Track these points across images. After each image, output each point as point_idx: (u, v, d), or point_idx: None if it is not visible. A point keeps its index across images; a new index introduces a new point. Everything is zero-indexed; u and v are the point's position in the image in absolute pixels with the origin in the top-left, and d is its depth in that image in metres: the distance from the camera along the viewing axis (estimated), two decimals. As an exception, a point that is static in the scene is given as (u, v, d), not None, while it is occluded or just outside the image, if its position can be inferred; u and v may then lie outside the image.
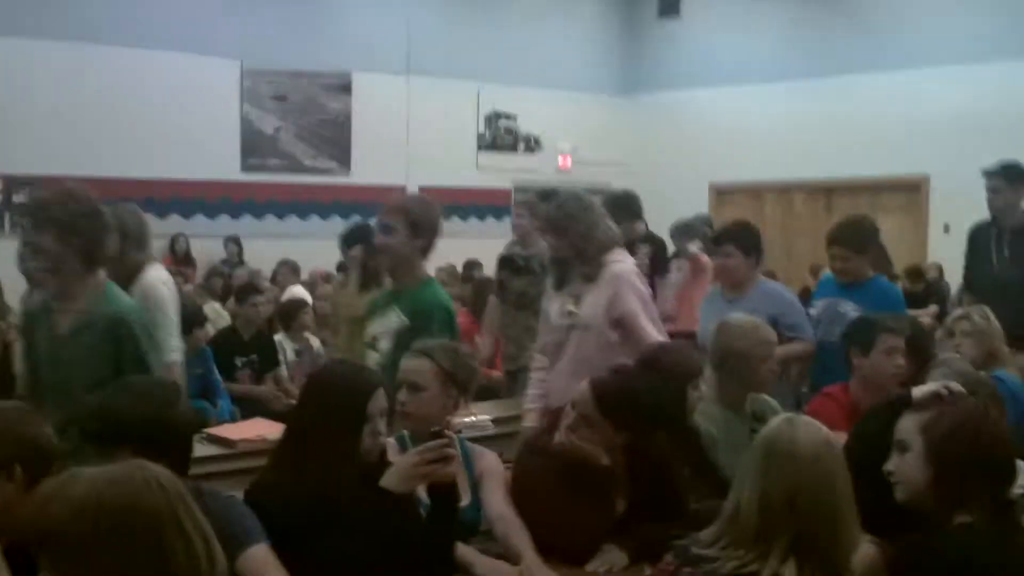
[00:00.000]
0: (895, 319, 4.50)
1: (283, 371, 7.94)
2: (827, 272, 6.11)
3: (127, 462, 1.85)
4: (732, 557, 2.39)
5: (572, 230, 4.92)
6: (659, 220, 13.28)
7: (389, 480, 3.06)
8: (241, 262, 13.14)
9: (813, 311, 5.73)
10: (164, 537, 1.73)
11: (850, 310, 5.33)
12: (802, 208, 15.88)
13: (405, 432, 3.65)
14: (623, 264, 4.97)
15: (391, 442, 3.50)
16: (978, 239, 6.67)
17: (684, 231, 9.46)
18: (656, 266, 7.47)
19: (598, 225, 4.97)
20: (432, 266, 13.73)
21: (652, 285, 6.87)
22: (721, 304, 5.48)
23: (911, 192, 14.43)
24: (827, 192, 15.36)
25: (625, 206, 7.32)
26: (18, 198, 12.13)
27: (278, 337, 8.15)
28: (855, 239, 5.69)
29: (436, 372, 3.59)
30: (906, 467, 2.81)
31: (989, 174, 6.60)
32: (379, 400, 3.22)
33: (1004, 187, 6.46)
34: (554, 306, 5.05)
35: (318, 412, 3.19)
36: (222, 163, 13.72)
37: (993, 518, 2.72)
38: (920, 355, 4.66)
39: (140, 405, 2.91)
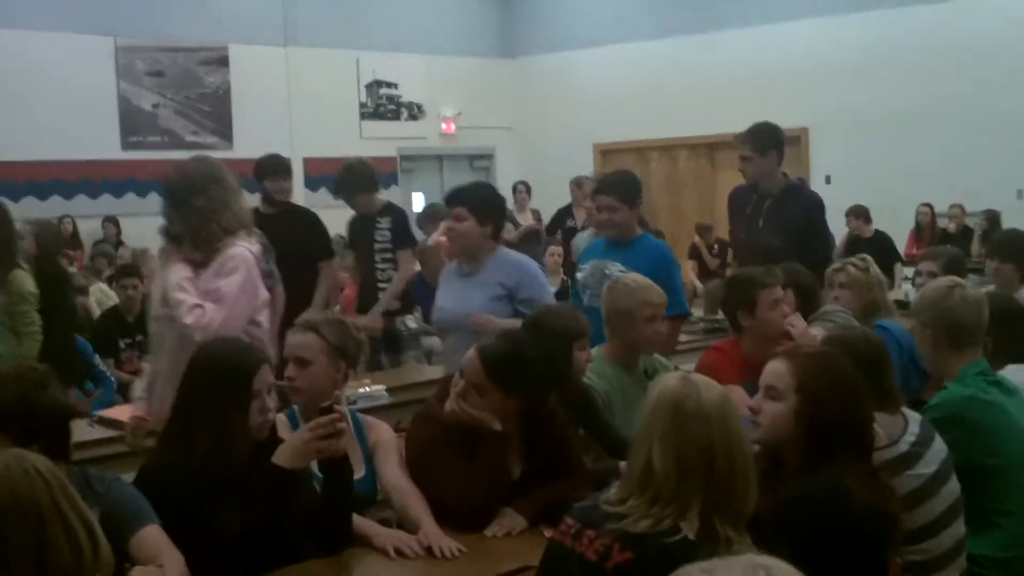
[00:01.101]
0: (766, 273, 4.50)
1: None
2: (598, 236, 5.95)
3: (4, 452, 1.82)
4: (646, 515, 2.39)
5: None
6: (545, 183, 13.41)
7: (281, 456, 3.06)
8: (120, 242, 12.88)
9: (580, 275, 5.48)
10: (46, 528, 1.71)
11: (616, 271, 5.06)
12: (686, 165, 16.06)
13: (295, 407, 3.62)
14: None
15: (281, 418, 3.48)
16: (738, 204, 6.31)
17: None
18: (397, 238, 7.18)
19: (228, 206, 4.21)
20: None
21: (395, 258, 7.08)
22: (455, 279, 4.93)
23: (791, 145, 14.38)
24: (710, 148, 15.56)
25: (360, 178, 7.19)
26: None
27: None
28: (623, 189, 5.46)
29: (323, 346, 3.57)
30: (776, 417, 2.89)
31: (738, 142, 6.25)
32: (265, 376, 3.21)
33: (754, 155, 6.03)
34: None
35: (204, 390, 3.18)
36: (102, 142, 13.41)
37: (859, 481, 2.78)
38: (808, 297, 4.75)
39: (5, 388, 2.88)
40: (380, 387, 5.37)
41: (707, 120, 14.55)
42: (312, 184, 14.28)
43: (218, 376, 3.18)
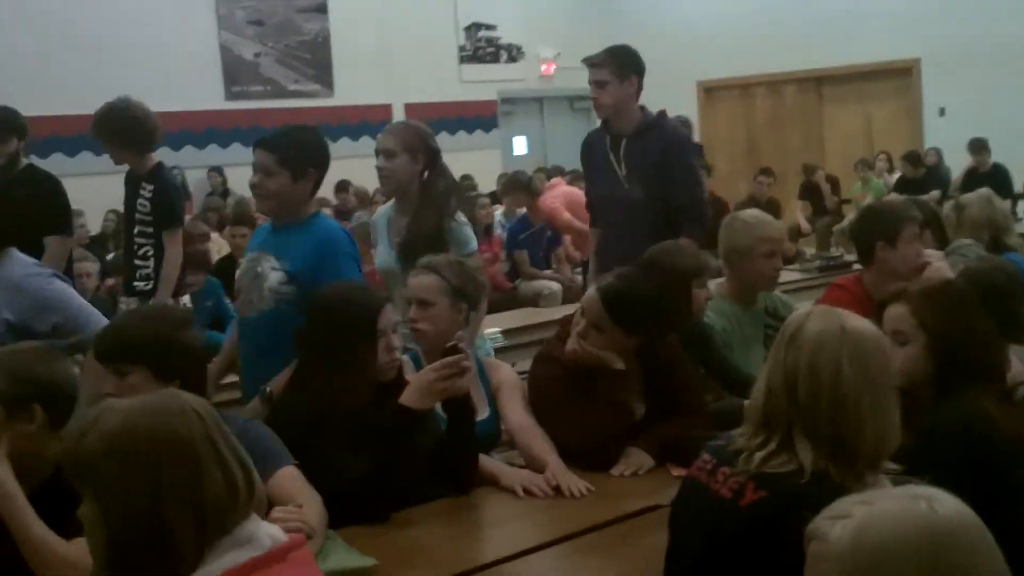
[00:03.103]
0: (910, 205, 4.39)
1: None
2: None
3: (161, 391, 1.84)
4: (760, 448, 2.35)
5: None
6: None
7: (408, 397, 3.06)
8: (226, 191, 13.05)
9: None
10: (202, 465, 1.72)
11: (269, 268, 3.86)
12: (793, 100, 15.76)
13: (417, 349, 3.63)
14: None
15: (405, 359, 3.49)
16: (592, 152, 5.37)
17: None
18: (159, 212, 5.57)
19: None
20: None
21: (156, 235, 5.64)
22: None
23: (903, 77, 14.32)
24: (817, 82, 15.24)
25: (118, 125, 5.58)
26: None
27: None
28: (282, 146, 3.92)
29: (444, 287, 3.58)
30: (908, 360, 2.85)
31: (591, 64, 5.15)
32: (388, 315, 3.24)
33: (612, 79, 5.07)
34: None
35: (329, 331, 3.20)
36: (206, 93, 13.55)
37: (997, 408, 2.74)
38: (941, 236, 4.63)
39: (151, 325, 2.94)
40: (495, 329, 5.38)
41: (814, 53, 14.23)
42: (414, 129, 14.23)
43: (343, 317, 3.20)
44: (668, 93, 14.73)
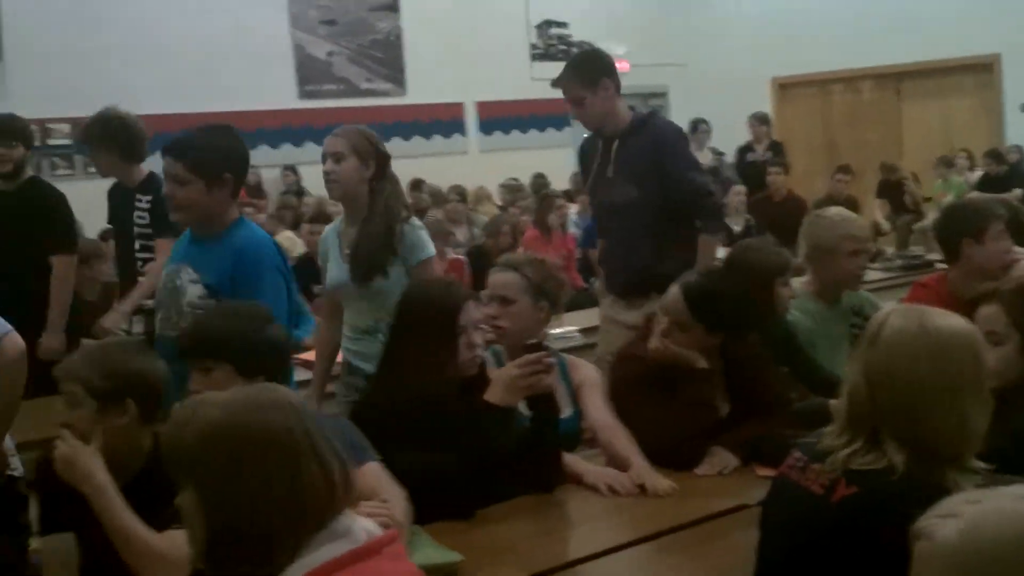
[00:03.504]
0: (996, 203, 4.30)
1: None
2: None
3: (256, 385, 1.85)
4: (847, 446, 2.32)
5: None
6: (721, 120, 13.18)
7: (492, 393, 3.07)
8: (300, 190, 13.16)
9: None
10: (300, 458, 1.73)
11: (188, 281, 3.59)
12: (871, 97, 15.56)
13: (498, 346, 3.63)
14: None
15: (487, 356, 3.49)
16: (586, 157, 5.03)
17: None
18: (157, 221, 5.31)
19: None
20: (494, 180, 13.76)
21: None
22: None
23: (983, 73, 14.09)
24: (896, 78, 15.03)
25: (110, 133, 5.42)
26: (86, 140, 12.19)
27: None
28: (191, 152, 3.59)
29: (524, 285, 3.57)
30: (1002, 360, 2.83)
31: (558, 86, 4.79)
32: (470, 312, 3.24)
33: (584, 93, 4.69)
34: None
35: (412, 328, 3.23)
36: (279, 92, 13.66)
37: None
38: (1021, 234, 4.54)
39: (234, 322, 2.98)
40: (572, 328, 5.36)
41: (892, 49, 14.03)
42: (485, 127, 14.32)
43: (425, 314, 3.22)
44: (741, 90, 14.72)
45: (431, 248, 4.16)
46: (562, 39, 15.83)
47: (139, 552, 2.64)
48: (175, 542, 2.65)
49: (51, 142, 12.11)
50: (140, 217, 5.33)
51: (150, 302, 4.94)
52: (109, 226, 6.09)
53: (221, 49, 12.89)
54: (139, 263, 5.35)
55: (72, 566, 2.79)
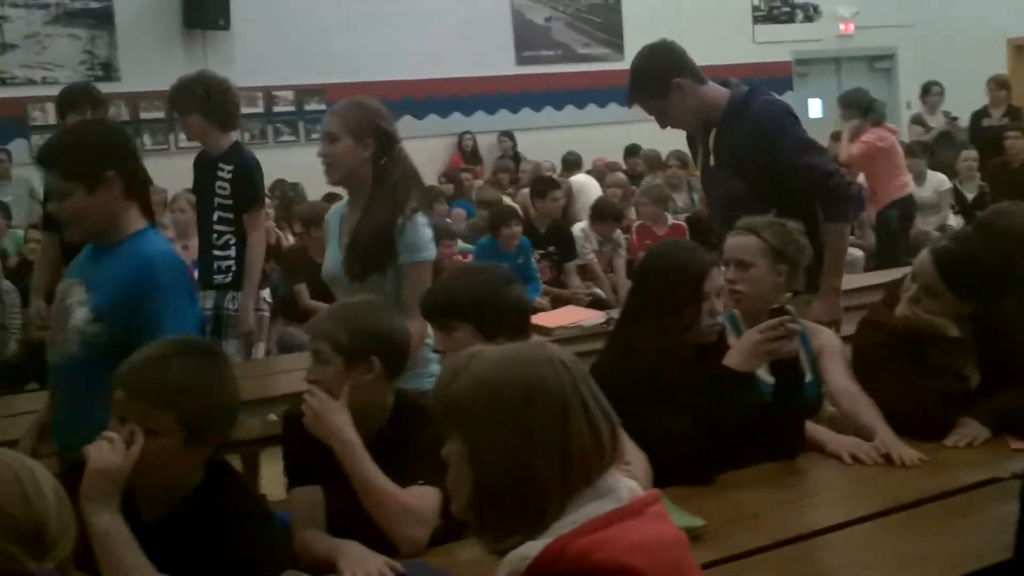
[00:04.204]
0: None
1: (592, 260, 8.05)
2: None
3: (529, 342, 1.86)
4: None
5: None
6: (953, 83, 12.62)
7: (732, 359, 3.03)
8: (516, 155, 13.27)
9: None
10: (569, 413, 1.73)
11: (76, 302, 3.07)
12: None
13: (735, 312, 3.56)
14: None
15: (722, 322, 3.43)
16: (694, 145, 4.55)
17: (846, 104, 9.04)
18: (238, 193, 5.22)
19: None
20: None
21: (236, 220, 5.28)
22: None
23: None
24: None
25: (199, 95, 5.20)
26: (309, 106, 12.57)
27: (582, 226, 8.22)
28: (62, 158, 3.10)
29: (763, 248, 3.49)
30: None
31: (634, 105, 4.28)
32: (715, 279, 3.20)
33: (655, 102, 4.19)
34: None
35: (655, 291, 3.20)
36: (497, 58, 13.78)
37: None
38: None
39: (475, 282, 3.03)
40: (788, 295, 5.23)
41: None
42: (705, 92, 14.06)
43: (669, 278, 3.18)
44: (975, 52, 14.06)
45: (430, 251, 3.67)
46: (785, 1, 15.46)
47: (385, 507, 2.70)
48: (421, 497, 2.71)
49: (276, 109, 12.54)
50: (221, 187, 5.14)
51: (224, 278, 5.13)
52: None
53: (441, 16, 13.06)
54: (215, 235, 5.17)
55: (319, 519, 2.83)
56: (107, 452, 2.32)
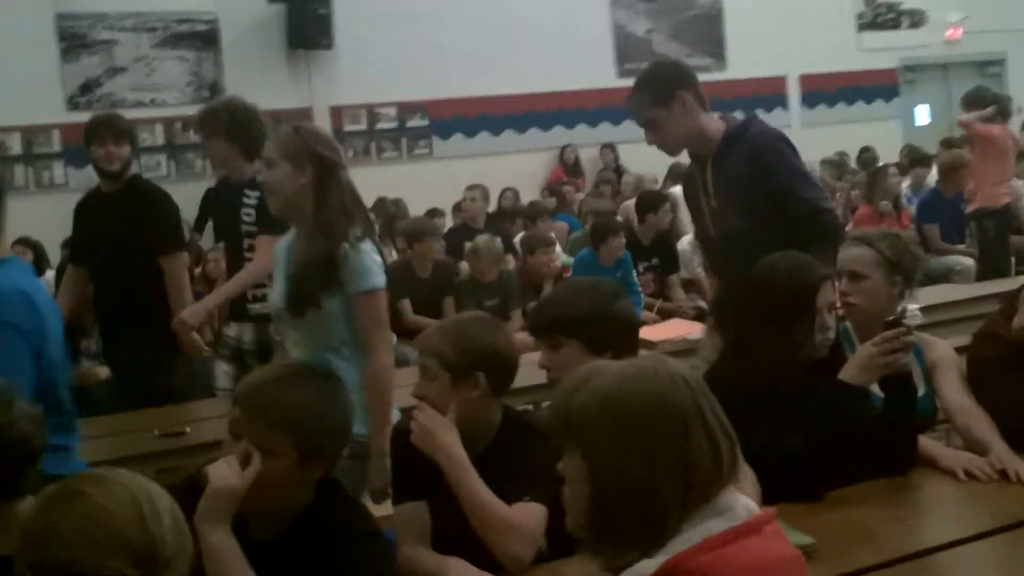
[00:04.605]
0: None
1: (700, 274, 8.02)
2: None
3: (649, 356, 1.85)
4: None
5: None
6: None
7: (847, 372, 2.99)
8: (618, 168, 13.24)
9: None
10: (690, 431, 1.72)
11: None
12: None
13: (847, 324, 3.51)
14: None
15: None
16: (690, 189, 4.23)
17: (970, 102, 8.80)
18: (262, 219, 4.85)
19: None
20: (817, 155, 13.46)
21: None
22: None
23: None
24: None
25: (237, 122, 4.97)
26: (412, 123, 12.70)
27: (690, 239, 8.18)
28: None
29: (877, 260, 3.44)
30: None
31: (630, 104, 4.07)
32: (827, 293, 3.16)
33: (656, 113, 3.96)
34: None
35: (766, 304, 3.15)
36: (598, 71, 13.77)
37: None
38: None
39: (584, 298, 3.01)
40: (914, 306, 5.13)
41: None
42: (809, 101, 13.96)
43: (781, 291, 3.13)
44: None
45: (378, 279, 3.47)
46: (891, 7, 15.26)
47: (492, 523, 2.69)
48: (527, 515, 2.70)
49: (379, 126, 12.67)
50: (247, 214, 4.94)
51: (263, 307, 4.70)
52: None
53: (542, 31, 13.10)
54: (246, 262, 4.95)
55: (424, 535, 2.84)
56: (226, 472, 2.34)
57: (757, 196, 3.84)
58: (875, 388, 3.09)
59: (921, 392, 3.33)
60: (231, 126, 4.89)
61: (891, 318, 3.03)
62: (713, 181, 3.99)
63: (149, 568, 1.71)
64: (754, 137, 3.94)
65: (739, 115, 4.09)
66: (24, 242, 8.60)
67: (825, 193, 4.29)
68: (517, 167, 12.69)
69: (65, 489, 1.77)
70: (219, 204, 5.34)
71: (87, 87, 11.37)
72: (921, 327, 4.90)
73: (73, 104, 11.08)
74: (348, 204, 3.52)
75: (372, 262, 3.45)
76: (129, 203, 5.13)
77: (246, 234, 4.96)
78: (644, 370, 1.77)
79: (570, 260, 8.40)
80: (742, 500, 1.76)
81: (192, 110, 9.47)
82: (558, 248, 8.84)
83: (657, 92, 3.95)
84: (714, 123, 4.01)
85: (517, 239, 9.25)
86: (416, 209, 10.28)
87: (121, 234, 5.07)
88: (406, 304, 7.41)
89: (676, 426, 1.71)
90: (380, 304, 3.48)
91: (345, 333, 3.45)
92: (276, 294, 3.65)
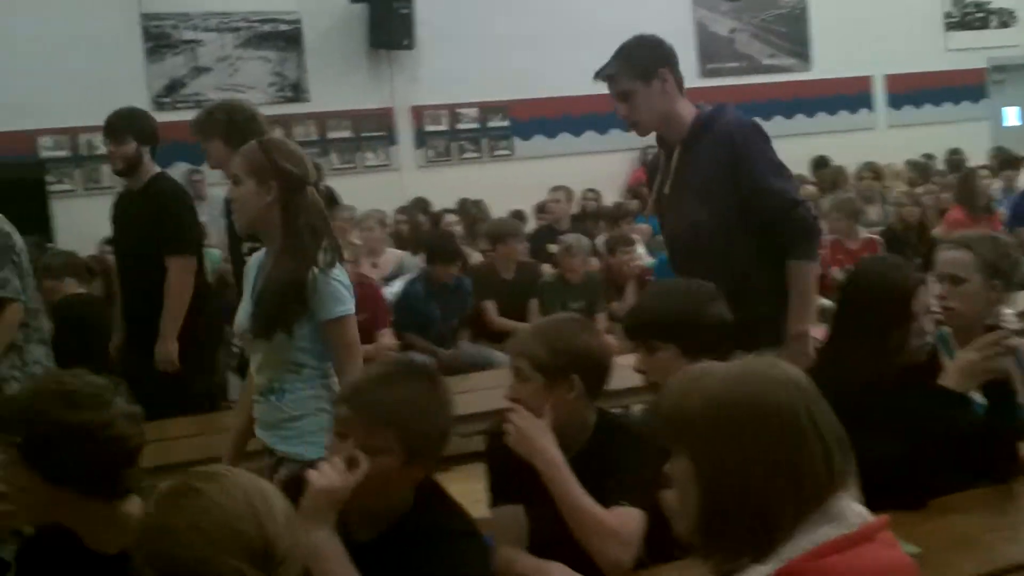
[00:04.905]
0: None
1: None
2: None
3: (760, 359, 1.82)
4: None
5: None
6: None
7: (948, 378, 2.94)
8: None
9: None
10: (802, 436, 1.69)
11: None
12: None
13: (945, 329, 3.44)
14: None
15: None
16: (654, 176, 4.08)
17: None
18: None
19: None
20: (902, 157, 13.27)
21: None
22: None
23: None
24: None
25: (237, 125, 4.73)
26: (493, 123, 12.71)
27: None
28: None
29: (977, 263, 3.37)
30: None
31: (603, 78, 3.98)
32: (923, 297, 3.11)
33: (633, 86, 3.86)
34: None
35: (863, 308, 3.11)
36: (681, 71, 13.62)
37: None
38: None
39: (680, 302, 3.00)
40: (1009, 311, 5.04)
41: None
42: (895, 102, 13.75)
43: (877, 295, 3.09)
44: None
45: (347, 305, 3.35)
46: (980, 6, 14.97)
47: (590, 527, 2.67)
48: (625, 518, 2.68)
49: (460, 126, 12.69)
50: None
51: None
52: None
53: (623, 31, 12.94)
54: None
55: (521, 539, 2.82)
56: (330, 472, 2.34)
57: (723, 187, 3.74)
58: (976, 394, 3.04)
59: (1022, 398, 3.27)
60: (229, 128, 4.73)
61: (991, 322, 2.97)
62: (677, 169, 3.87)
63: (265, 565, 1.71)
64: (727, 124, 3.83)
65: (707, 106, 3.98)
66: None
67: (797, 185, 4.18)
68: (598, 168, 12.62)
69: (180, 486, 1.79)
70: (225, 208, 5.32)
71: (172, 87, 11.49)
72: (1020, 332, 4.83)
73: (158, 104, 11.20)
74: (316, 223, 3.37)
75: (340, 287, 3.34)
76: (146, 201, 5.22)
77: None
78: (756, 373, 1.74)
79: (654, 262, 8.35)
80: (854, 507, 1.73)
81: (275, 110, 9.55)
82: (640, 248, 8.78)
83: (640, 65, 3.88)
84: (688, 109, 3.92)
85: (600, 241, 9.22)
86: (496, 211, 10.28)
87: (138, 232, 5.21)
88: (490, 306, 7.40)
89: (789, 430, 1.68)
90: (351, 330, 3.37)
91: (309, 357, 3.36)
92: (242, 313, 3.50)
